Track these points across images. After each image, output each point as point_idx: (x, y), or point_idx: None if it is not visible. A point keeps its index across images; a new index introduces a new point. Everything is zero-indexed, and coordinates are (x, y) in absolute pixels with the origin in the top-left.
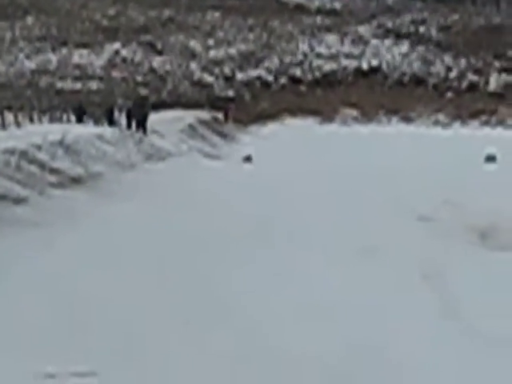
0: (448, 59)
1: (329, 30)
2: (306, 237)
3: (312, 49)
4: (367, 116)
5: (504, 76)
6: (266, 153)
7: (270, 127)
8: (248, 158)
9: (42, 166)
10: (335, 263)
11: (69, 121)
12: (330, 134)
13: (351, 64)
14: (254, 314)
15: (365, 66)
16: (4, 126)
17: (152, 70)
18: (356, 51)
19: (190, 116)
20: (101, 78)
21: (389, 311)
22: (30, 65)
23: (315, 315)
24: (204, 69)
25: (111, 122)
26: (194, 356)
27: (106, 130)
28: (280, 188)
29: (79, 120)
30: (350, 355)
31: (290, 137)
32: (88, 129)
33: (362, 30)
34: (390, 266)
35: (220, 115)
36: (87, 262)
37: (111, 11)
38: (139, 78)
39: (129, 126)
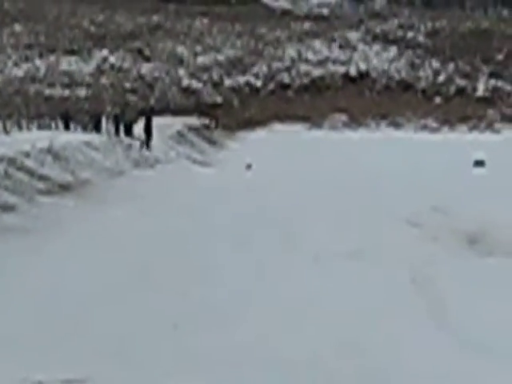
0: (436, 64)
1: (317, 35)
2: (294, 241)
3: (300, 54)
4: (356, 121)
5: (492, 81)
6: (255, 159)
7: (259, 133)
8: (249, 166)
9: (30, 173)
10: (323, 268)
11: (57, 128)
12: (318, 140)
13: (339, 69)
14: (241, 315)
15: (353, 71)
16: None
17: (140, 77)
18: (344, 56)
19: (178, 122)
20: (89, 85)
21: (376, 315)
22: (18, 72)
23: (302, 317)
24: (192, 75)
25: (98, 128)
26: (182, 359)
27: (94, 137)
28: (268, 194)
29: (66, 127)
30: (336, 358)
31: (278, 143)
32: (76, 136)
33: (350, 35)
34: (378, 271)
35: (208, 121)
36: (75, 268)
37: (99, 18)
38: (127, 85)
39: (117, 132)
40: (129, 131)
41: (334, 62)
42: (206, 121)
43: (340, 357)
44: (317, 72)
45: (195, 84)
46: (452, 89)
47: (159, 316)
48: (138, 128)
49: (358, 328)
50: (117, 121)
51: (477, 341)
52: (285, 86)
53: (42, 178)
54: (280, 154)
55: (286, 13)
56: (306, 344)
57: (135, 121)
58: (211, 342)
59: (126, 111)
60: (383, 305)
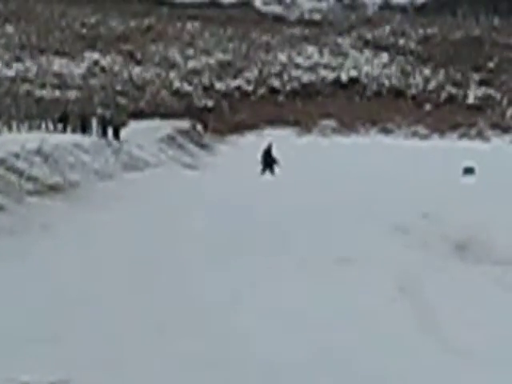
0: (427, 71)
1: (308, 40)
2: (282, 247)
3: (291, 59)
4: (346, 127)
5: (483, 89)
6: (245, 164)
7: (249, 138)
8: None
9: (19, 173)
10: (311, 274)
11: (47, 129)
12: (307, 145)
13: (330, 75)
14: (228, 322)
15: (344, 77)
16: None
17: (131, 80)
18: (335, 62)
19: (168, 126)
20: (80, 87)
21: (364, 322)
22: (9, 72)
23: (288, 324)
24: (183, 78)
25: (84, 130)
26: (167, 362)
27: (84, 139)
28: (256, 200)
29: (64, 129)
30: (321, 364)
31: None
32: (66, 137)
33: (342, 41)
34: (366, 278)
35: (199, 125)
36: (63, 269)
37: (91, 20)
38: (118, 87)
39: (104, 134)
40: (117, 134)
41: (325, 67)
42: (197, 124)
43: (325, 364)
44: (307, 77)
45: (186, 87)
46: (443, 96)
47: (146, 318)
48: (126, 131)
49: (345, 334)
50: (104, 123)
51: (464, 348)
52: (275, 91)
53: (31, 178)
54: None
55: (277, 17)
56: (291, 350)
57: (124, 124)
58: (196, 345)
59: (113, 114)
60: (371, 311)
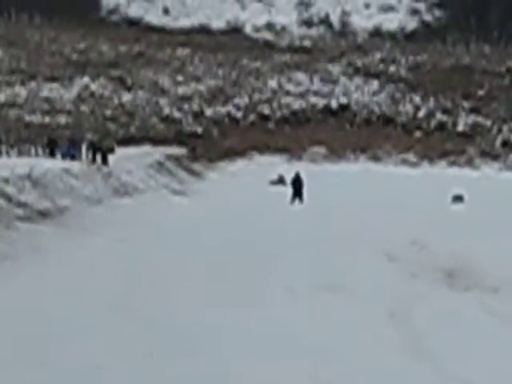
0: (417, 98)
1: (298, 67)
2: (267, 273)
3: (281, 86)
4: (335, 154)
5: (472, 116)
6: (234, 191)
7: (238, 164)
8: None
9: (9, 199)
10: (301, 301)
11: (37, 155)
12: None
13: (320, 102)
14: (218, 349)
15: (334, 104)
16: None
17: (121, 105)
18: (325, 89)
19: (158, 152)
20: (69, 112)
21: (354, 349)
22: None
23: (279, 350)
24: (173, 105)
25: (53, 153)
26: None
27: (73, 164)
28: (240, 226)
29: (51, 153)
30: None
31: (256, 175)
32: (56, 163)
33: (332, 68)
34: (356, 304)
35: (188, 151)
36: (51, 295)
37: (81, 45)
38: (108, 113)
39: (93, 159)
40: (105, 159)
41: (315, 94)
42: (186, 151)
43: None
44: (297, 104)
45: (176, 114)
46: (432, 124)
47: (134, 344)
48: (115, 157)
49: (335, 360)
50: (93, 148)
51: (452, 373)
52: (265, 118)
53: (20, 204)
54: (257, 186)
55: (268, 44)
56: (281, 377)
57: (112, 150)
58: (183, 372)
59: (102, 139)
60: (360, 338)
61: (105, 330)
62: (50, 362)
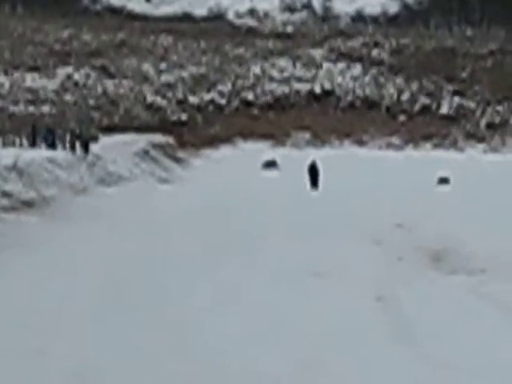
0: (400, 82)
1: (281, 53)
2: (259, 260)
3: (264, 72)
4: (320, 139)
5: (456, 99)
6: (218, 177)
7: (223, 151)
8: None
9: None
10: (288, 287)
11: (22, 145)
12: (282, 158)
13: (304, 87)
14: (208, 338)
15: (317, 89)
16: None
17: (105, 94)
18: (308, 74)
19: (142, 140)
20: (53, 102)
21: (341, 333)
22: None
23: (267, 337)
24: (157, 92)
25: (34, 143)
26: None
27: (58, 154)
28: (227, 210)
29: (33, 143)
30: (299, 376)
31: (241, 161)
32: (40, 153)
33: (315, 53)
34: (342, 288)
35: (173, 139)
36: (39, 285)
37: (64, 35)
38: (92, 102)
39: (72, 149)
40: (86, 148)
41: (299, 79)
42: (171, 138)
43: (303, 376)
44: (281, 90)
45: (160, 101)
46: (416, 107)
47: (127, 337)
48: (99, 145)
49: (322, 345)
50: (73, 137)
51: (439, 357)
52: (249, 104)
53: (5, 194)
54: (242, 172)
55: (250, 30)
56: (268, 361)
57: (94, 138)
58: (176, 361)
59: (82, 128)
60: (347, 322)
61: (95, 321)
62: (42, 355)
